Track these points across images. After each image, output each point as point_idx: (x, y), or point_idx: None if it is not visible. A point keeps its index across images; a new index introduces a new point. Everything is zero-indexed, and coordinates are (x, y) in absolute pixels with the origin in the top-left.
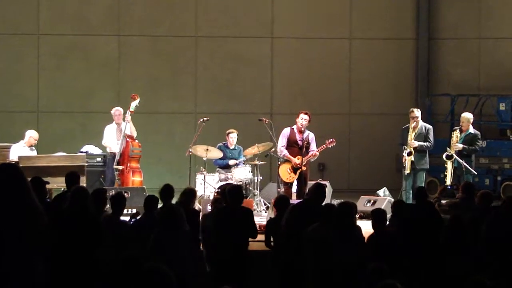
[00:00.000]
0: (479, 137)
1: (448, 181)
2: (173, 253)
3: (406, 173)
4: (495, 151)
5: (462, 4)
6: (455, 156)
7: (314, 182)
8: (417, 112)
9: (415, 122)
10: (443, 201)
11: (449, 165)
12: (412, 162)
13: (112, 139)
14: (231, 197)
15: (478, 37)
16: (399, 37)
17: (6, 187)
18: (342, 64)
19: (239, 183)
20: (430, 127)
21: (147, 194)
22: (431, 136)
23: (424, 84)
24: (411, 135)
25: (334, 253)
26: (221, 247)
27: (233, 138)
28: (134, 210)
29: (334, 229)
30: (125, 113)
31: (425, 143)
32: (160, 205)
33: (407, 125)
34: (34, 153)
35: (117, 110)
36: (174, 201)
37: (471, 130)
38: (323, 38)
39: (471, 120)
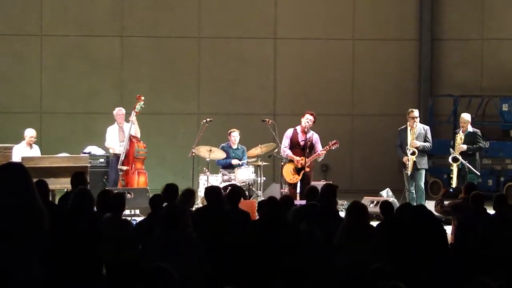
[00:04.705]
0: (479, 134)
1: (454, 183)
2: (173, 254)
3: (408, 173)
4: (498, 152)
5: (464, 5)
6: (461, 159)
7: (317, 183)
8: (417, 113)
9: (415, 123)
10: (446, 202)
11: (454, 168)
12: (414, 162)
13: (115, 140)
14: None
15: (480, 38)
16: (402, 38)
17: (11, 186)
18: (345, 65)
19: (242, 184)
20: (428, 127)
21: (150, 195)
22: (430, 137)
23: (427, 85)
24: (412, 135)
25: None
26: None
27: (235, 136)
28: (138, 211)
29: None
30: (130, 113)
31: (426, 143)
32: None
33: (404, 126)
34: (35, 150)
35: (119, 110)
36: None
37: (470, 129)
38: (326, 39)
39: (470, 120)
